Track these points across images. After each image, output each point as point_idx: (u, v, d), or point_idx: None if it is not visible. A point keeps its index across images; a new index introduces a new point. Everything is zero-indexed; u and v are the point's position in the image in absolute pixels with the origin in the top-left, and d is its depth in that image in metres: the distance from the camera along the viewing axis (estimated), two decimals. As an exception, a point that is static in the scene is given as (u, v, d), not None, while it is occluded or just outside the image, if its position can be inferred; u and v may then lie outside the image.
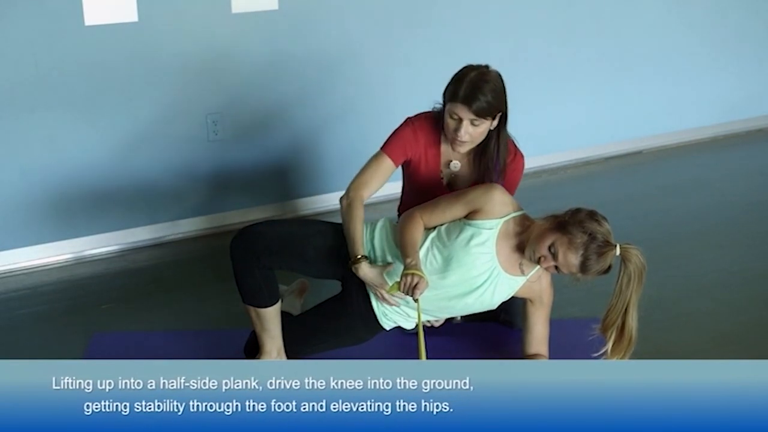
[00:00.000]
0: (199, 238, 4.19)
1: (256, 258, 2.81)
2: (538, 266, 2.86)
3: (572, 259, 2.67)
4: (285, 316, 2.99)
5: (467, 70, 2.92)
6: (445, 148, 3.05)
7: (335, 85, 4.36)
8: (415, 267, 2.68)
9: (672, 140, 5.54)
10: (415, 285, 2.65)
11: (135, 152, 3.98)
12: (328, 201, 4.49)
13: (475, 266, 2.80)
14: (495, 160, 3.00)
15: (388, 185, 4.59)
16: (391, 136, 3.05)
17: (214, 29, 4.01)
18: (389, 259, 2.87)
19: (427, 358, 2.56)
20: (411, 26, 4.46)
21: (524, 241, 2.78)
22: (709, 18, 5.42)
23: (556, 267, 2.71)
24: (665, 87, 5.38)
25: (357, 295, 2.92)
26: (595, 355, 2.80)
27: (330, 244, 2.92)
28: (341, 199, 2.96)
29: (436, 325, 3.06)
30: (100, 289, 3.71)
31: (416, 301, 2.69)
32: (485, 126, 2.91)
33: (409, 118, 3.07)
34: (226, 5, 3.99)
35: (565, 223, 2.70)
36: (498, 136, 2.98)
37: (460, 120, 2.87)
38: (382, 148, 3.04)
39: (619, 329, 2.75)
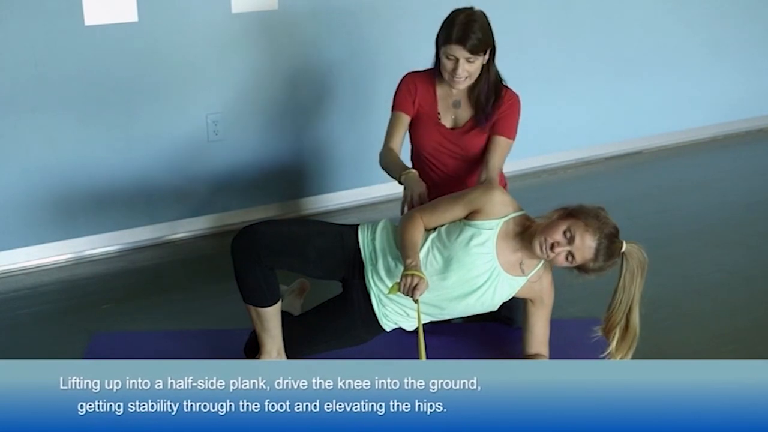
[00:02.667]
0: (199, 238, 4.19)
1: (257, 257, 2.81)
2: (539, 266, 2.87)
3: (589, 242, 2.69)
4: (285, 316, 2.99)
5: (456, 13, 3.16)
6: (441, 92, 3.27)
7: (335, 85, 4.36)
8: (415, 268, 2.68)
9: (672, 140, 5.54)
10: (415, 286, 2.64)
11: (135, 152, 3.98)
12: (329, 201, 4.49)
13: (476, 267, 2.80)
14: (479, 99, 3.22)
15: (388, 185, 4.62)
16: (394, 96, 3.32)
17: (214, 29, 4.01)
18: (390, 260, 2.87)
19: (427, 358, 2.56)
20: (411, 26, 4.46)
21: (530, 236, 2.78)
22: (709, 18, 5.42)
23: (567, 256, 2.72)
24: (665, 87, 5.38)
25: (358, 296, 2.92)
26: (601, 356, 2.81)
27: (331, 245, 2.92)
28: (379, 162, 3.27)
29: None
30: (100, 289, 3.71)
31: (416, 301, 2.69)
32: (479, 62, 3.13)
33: (403, 77, 3.34)
34: (226, 5, 3.99)
35: (578, 211, 2.74)
36: (488, 69, 3.20)
37: (456, 60, 3.10)
38: (392, 110, 3.32)
39: (623, 328, 2.77)
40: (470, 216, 2.84)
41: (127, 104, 3.91)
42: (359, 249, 2.92)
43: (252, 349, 2.98)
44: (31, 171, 3.80)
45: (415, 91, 3.29)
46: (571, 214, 2.74)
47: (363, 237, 2.93)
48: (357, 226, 2.99)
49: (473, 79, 3.18)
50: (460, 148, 3.28)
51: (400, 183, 3.12)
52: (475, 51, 3.09)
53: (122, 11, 3.78)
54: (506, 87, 3.27)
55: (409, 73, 3.34)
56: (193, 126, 4.09)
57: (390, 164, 3.22)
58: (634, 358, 3.06)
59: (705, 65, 5.49)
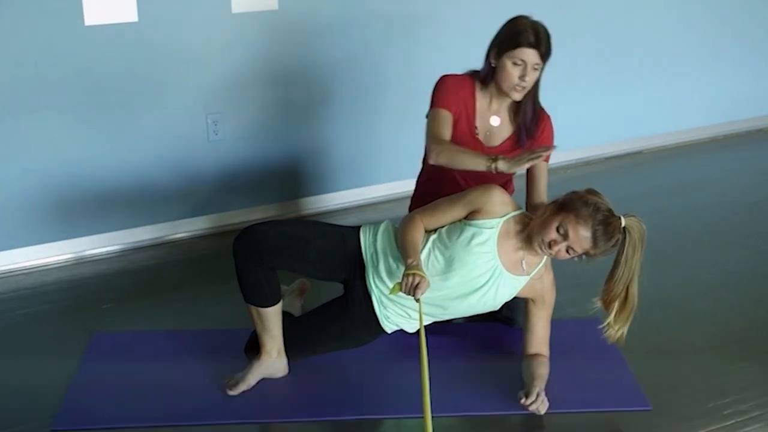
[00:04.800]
0: (199, 238, 4.19)
1: (259, 257, 2.81)
2: (541, 264, 2.87)
3: (583, 233, 2.68)
4: (286, 316, 2.99)
5: (520, 19, 3.07)
6: (480, 105, 3.16)
7: (335, 85, 4.36)
8: (416, 267, 2.68)
9: (672, 140, 5.54)
10: (417, 285, 2.64)
11: (135, 152, 3.98)
12: (329, 201, 4.49)
13: (477, 266, 2.80)
14: (526, 113, 3.14)
15: (388, 185, 4.63)
16: (433, 94, 3.15)
17: (214, 29, 4.01)
18: (391, 262, 2.87)
19: (429, 358, 2.56)
20: (411, 27, 4.46)
21: (529, 236, 2.79)
22: (709, 18, 5.42)
23: (567, 250, 2.72)
24: (665, 87, 5.38)
25: (359, 297, 2.92)
26: (598, 327, 2.82)
27: (332, 246, 2.92)
28: (432, 157, 3.01)
29: None
30: (100, 289, 3.71)
31: (417, 301, 2.69)
32: (539, 73, 3.07)
33: (443, 76, 3.18)
34: (226, 5, 3.99)
35: (567, 203, 2.73)
36: (537, 85, 3.14)
37: (525, 65, 3.01)
38: (431, 107, 3.14)
39: (623, 300, 2.77)
40: (470, 216, 2.84)
41: (127, 104, 3.91)
42: (361, 250, 2.92)
43: (252, 349, 2.98)
44: (31, 171, 3.80)
45: (462, 96, 3.15)
46: (561, 207, 2.73)
47: (365, 238, 2.93)
48: (359, 227, 2.99)
49: (527, 90, 3.09)
50: None
51: (495, 171, 2.89)
52: (544, 58, 3.04)
53: (122, 11, 3.78)
54: (542, 107, 3.20)
55: (447, 76, 3.19)
56: (193, 126, 4.09)
57: (466, 155, 2.96)
58: (634, 357, 3.07)
59: (705, 65, 5.49)
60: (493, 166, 2.88)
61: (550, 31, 3.09)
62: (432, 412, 2.38)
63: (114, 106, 3.89)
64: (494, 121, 3.17)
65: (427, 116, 3.17)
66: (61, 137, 3.82)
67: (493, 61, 3.09)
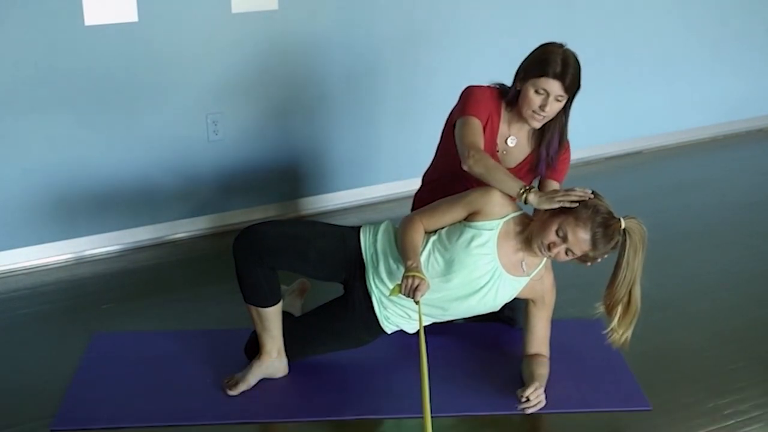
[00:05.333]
0: (199, 238, 4.19)
1: (259, 257, 2.81)
2: (541, 265, 2.87)
3: (582, 235, 2.68)
4: (286, 316, 2.99)
5: (552, 47, 3.00)
6: (504, 124, 3.11)
7: (335, 85, 4.36)
8: (416, 269, 2.68)
9: (672, 140, 5.54)
10: (416, 287, 2.64)
11: (135, 152, 3.98)
12: (329, 201, 4.49)
13: (477, 267, 2.80)
14: (551, 144, 3.09)
15: (388, 185, 4.63)
16: (464, 101, 3.09)
17: (214, 29, 4.01)
18: (391, 262, 2.87)
19: (429, 358, 2.56)
20: (411, 27, 4.46)
21: (528, 238, 2.79)
22: (709, 18, 5.42)
23: (567, 252, 2.71)
24: (665, 87, 5.38)
25: (359, 297, 2.92)
26: (603, 333, 2.82)
27: (333, 246, 2.92)
28: (467, 163, 2.89)
29: None
30: (100, 289, 3.71)
31: (417, 303, 2.69)
32: (563, 103, 3.00)
33: (472, 86, 3.13)
34: (226, 5, 3.99)
35: (566, 206, 2.72)
36: (564, 114, 3.07)
37: (548, 95, 2.95)
38: (463, 113, 3.05)
39: (626, 304, 2.76)
40: (470, 217, 2.84)
41: (127, 104, 3.91)
42: (361, 251, 2.92)
43: (252, 349, 2.98)
44: (31, 171, 3.80)
45: (489, 109, 3.09)
46: (561, 209, 2.73)
47: (365, 239, 2.93)
48: (359, 227, 2.99)
49: (548, 120, 3.04)
50: None
51: (525, 202, 2.80)
52: (569, 90, 2.96)
53: (122, 11, 3.77)
54: (566, 136, 3.15)
55: (478, 87, 3.13)
56: (193, 126, 4.08)
57: (502, 173, 2.85)
58: (634, 357, 3.07)
59: (705, 65, 5.49)
60: (524, 196, 2.78)
61: (576, 58, 2.99)
62: (432, 412, 2.38)
63: (114, 106, 3.88)
64: (511, 141, 3.13)
65: (455, 123, 3.08)
66: (61, 137, 3.82)
67: (518, 84, 3.03)
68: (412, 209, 3.30)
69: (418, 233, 2.83)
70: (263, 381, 2.93)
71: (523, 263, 2.85)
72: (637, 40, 5.20)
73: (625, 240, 2.70)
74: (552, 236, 2.71)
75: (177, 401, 2.87)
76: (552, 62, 2.93)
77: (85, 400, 2.87)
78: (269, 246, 2.83)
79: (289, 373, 2.98)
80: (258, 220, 3.96)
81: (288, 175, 4.38)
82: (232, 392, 2.88)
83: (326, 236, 2.94)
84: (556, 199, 2.73)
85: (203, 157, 4.14)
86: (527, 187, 2.80)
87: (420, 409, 2.40)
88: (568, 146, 3.17)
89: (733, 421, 2.79)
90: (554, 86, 2.94)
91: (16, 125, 3.72)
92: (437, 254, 2.83)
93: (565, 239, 2.70)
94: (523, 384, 2.86)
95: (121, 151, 3.95)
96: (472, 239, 2.80)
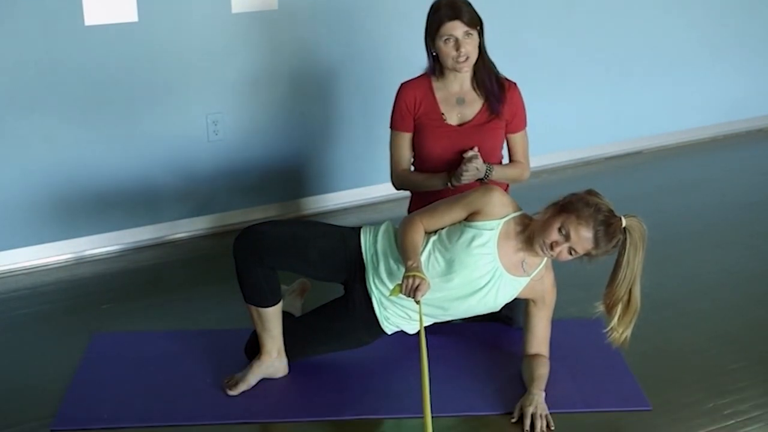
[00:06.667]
0: (199, 238, 4.19)
1: (259, 258, 2.81)
2: (542, 265, 2.87)
3: (585, 233, 2.68)
4: (286, 316, 2.99)
5: (437, 2, 3.18)
6: (441, 94, 3.28)
7: (335, 84, 4.36)
8: (416, 269, 2.68)
9: (672, 140, 5.54)
10: (417, 287, 2.64)
11: (135, 152, 3.98)
12: (329, 201, 4.49)
13: (478, 267, 2.80)
14: (486, 81, 3.24)
15: (388, 185, 4.62)
16: (392, 113, 3.34)
17: (214, 29, 4.01)
18: (392, 263, 2.87)
19: (429, 358, 2.56)
20: (411, 27, 4.45)
21: (529, 237, 2.79)
22: (709, 18, 5.42)
23: (569, 251, 2.72)
24: (665, 87, 5.38)
25: (359, 298, 2.92)
26: (603, 331, 2.82)
27: (333, 247, 2.92)
28: (394, 184, 3.40)
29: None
30: (100, 289, 3.71)
31: (418, 303, 2.69)
32: (476, 39, 3.16)
33: (400, 86, 3.34)
34: (226, 5, 3.99)
35: (568, 204, 2.73)
36: (483, 51, 3.22)
37: (456, 39, 3.12)
38: (390, 127, 3.36)
39: (626, 303, 2.77)
40: (470, 217, 2.84)
41: (127, 104, 3.91)
42: (361, 251, 2.92)
43: (252, 349, 2.98)
44: (31, 171, 3.80)
45: (412, 102, 3.27)
46: (563, 208, 2.73)
47: (365, 239, 2.93)
48: (359, 227, 2.99)
49: (473, 60, 3.18)
50: (474, 143, 3.23)
51: (452, 187, 3.16)
52: (472, 24, 3.12)
53: (122, 11, 3.78)
54: (499, 73, 3.29)
55: (402, 85, 3.33)
56: (193, 126, 4.09)
57: (420, 180, 3.29)
58: (634, 357, 3.07)
59: (705, 65, 5.49)
60: (449, 184, 3.15)
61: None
62: (432, 412, 2.38)
63: (114, 106, 3.89)
64: (459, 102, 3.26)
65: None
66: (61, 137, 3.82)
67: (432, 50, 3.20)
68: (409, 210, 3.31)
69: (418, 233, 2.83)
70: (263, 381, 2.93)
71: (524, 263, 2.85)
72: (637, 40, 5.20)
73: (626, 238, 2.71)
74: (554, 235, 2.71)
75: (177, 401, 2.87)
76: (442, 8, 3.13)
77: (85, 400, 2.87)
78: (269, 246, 2.83)
79: (289, 373, 2.98)
80: (258, 220, 3.96)
81: (288, 175, 4.38)
82: (232, 392, 2.88)
83: (326, 236, 2.94)
84: (463, 169, 3.08)
85: (203, 157, 4.14)
86: (449, 176, 3.14)
87: (420, 409, 2.40)
88: (512, 85, 3.30)
89: (733, 421, 2.79)
90: (455, 26, 3.10)
91: (16, 125, 3.72)
92: (438, 254, 2.83)
93: (567, 238, 2.70)
94: (523, 384, 2.86)
95: (121, 151, 3.95)
96: (472, 239, 2.80)
